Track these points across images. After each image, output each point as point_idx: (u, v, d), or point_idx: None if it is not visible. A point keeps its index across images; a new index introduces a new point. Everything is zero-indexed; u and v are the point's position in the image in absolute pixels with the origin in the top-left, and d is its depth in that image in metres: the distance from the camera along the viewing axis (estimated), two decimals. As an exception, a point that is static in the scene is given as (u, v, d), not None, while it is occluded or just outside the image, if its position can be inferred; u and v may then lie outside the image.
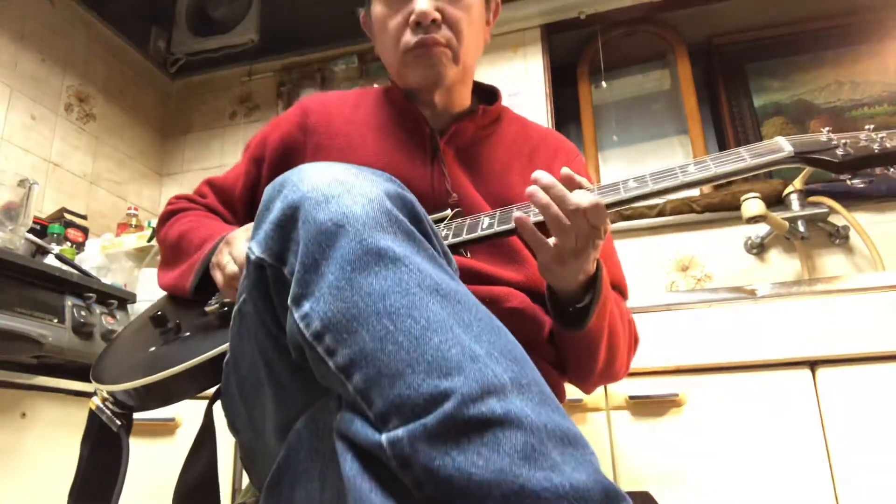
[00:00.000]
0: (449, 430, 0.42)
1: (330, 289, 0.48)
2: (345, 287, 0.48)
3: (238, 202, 0.99)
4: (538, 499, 0.40)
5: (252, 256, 0.56)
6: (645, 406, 1.20)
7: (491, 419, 0.42)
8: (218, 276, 0.80)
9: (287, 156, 0.94)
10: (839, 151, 0.68)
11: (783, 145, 0.70)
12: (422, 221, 0.55)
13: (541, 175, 0.69)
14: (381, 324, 0.46)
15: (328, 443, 0.51)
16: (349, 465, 0.46)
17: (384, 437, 0.43)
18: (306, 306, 0.50)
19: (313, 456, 0.55)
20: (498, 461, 0.41)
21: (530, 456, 0.41)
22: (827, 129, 0.72)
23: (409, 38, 0.88)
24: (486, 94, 1.02)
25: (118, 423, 0.76)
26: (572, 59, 2.21)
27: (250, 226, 0.77)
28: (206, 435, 0.77)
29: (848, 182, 0.70)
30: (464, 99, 0.97)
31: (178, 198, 1.03)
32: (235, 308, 0.63)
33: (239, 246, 0.78)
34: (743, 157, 0.70)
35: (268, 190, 0.57)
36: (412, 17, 0.86)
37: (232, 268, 0.77)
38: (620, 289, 0.93)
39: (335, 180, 0.53)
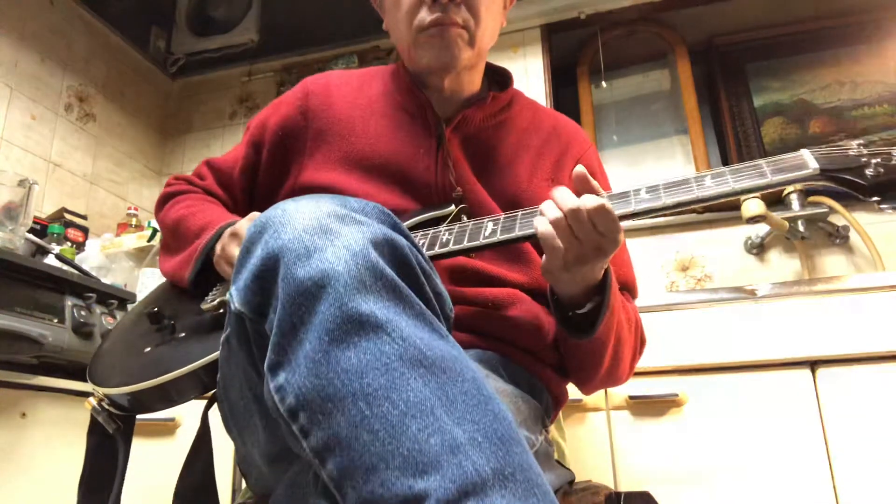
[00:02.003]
0: None
1: (306, 360, 0.46)
2: (321, 361, 0.45)
3: (236, 186, 0.96)
4: None
5: (232, 307, 0.55)
6: (645, 406, 1.20)
7: None
8: (228, 270, 0.79)
9: (287, 141, 0.92)
10: (868, 172, 0.61)
11: (808, 161, 0.63)
12: (411, 268, 0.52)
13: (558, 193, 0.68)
14: (357, 407, 0.43)
15: None
16: None
17: None
18: (282, 377, 0.47)
19: None
20: None
21: None
22: (858, 142, 0.64)
23: (424, 15, 0.83)
24: (498, 78, 0.98)
25: (114, 425, 0.75)
26: (572, 59, 2.21)
27: (254, 215, 0.76)
28: (202, 443, 0.76)
29: (877, 206, 0.63)
30: (474, 84, 0.93)
31: (176, 178, 1.01)
32: (223, 336, 0.61)
33: None
34: (764, 172, 0.64)
35: (250, 228, 0.54)
36: None
37: None
38: (629, 288, 0.90)
39: (318, 228, 0.50)
